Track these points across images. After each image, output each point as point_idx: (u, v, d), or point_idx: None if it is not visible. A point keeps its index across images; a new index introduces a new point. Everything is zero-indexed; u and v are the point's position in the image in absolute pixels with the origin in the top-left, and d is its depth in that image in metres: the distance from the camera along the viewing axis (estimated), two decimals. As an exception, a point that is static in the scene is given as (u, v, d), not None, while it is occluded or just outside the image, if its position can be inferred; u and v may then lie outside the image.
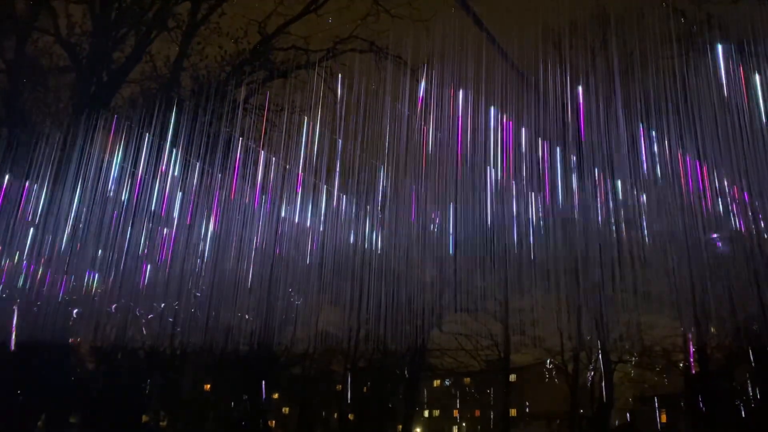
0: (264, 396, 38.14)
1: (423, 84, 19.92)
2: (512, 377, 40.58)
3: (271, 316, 26.43)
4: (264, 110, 25.48)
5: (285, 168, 21.82)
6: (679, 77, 17.08)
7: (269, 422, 40.40)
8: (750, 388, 28.84)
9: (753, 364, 27.85)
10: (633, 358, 35.48)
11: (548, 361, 38.20)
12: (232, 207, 21.82)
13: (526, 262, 19.14)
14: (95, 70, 22.92)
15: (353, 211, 21.71)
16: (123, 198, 20.40)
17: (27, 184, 20.13)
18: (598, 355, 33.88)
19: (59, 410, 24.54)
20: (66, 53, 23.50)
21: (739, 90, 15.96)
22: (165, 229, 21.17)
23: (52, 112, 24.38)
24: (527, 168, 19.06)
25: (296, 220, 22.07)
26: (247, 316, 25.39)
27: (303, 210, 22.07)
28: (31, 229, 20.20)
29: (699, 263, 17.55)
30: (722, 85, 16.24)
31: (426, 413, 46.66)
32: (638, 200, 18.34)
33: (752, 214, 17.06)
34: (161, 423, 36.50)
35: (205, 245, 21.88)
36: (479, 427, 45.00)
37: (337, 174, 21.40)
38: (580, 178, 18.82)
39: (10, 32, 22.50)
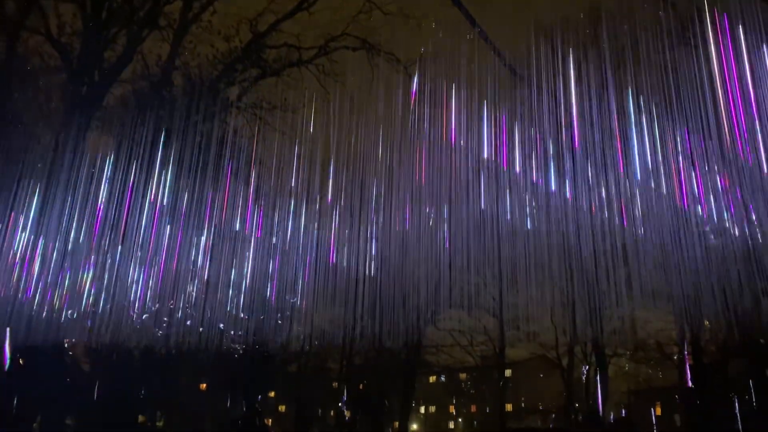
0: (260, 394, 38.14)
1: (416, 80, 19.98)
2: (508, 372, 40.71)
3: (266, 315, 26.44)
4: (256, 108, 25.47)
5: (279, 168, 21.82)
6: (671, 71, 17.14)
7: (266, 420, 40.43)
8: (744, 380, 29.00)
9: (747, 357, 28.03)
10: (627, 352, 35.64)
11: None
12: (227, 209, 21.80)
13: (520, 257, 19.21)
14: (87, 70, 22.76)
15: (348, 210, 21.71)
16: (116, 198, 20.32)
17: (19, 184, 20.00)
18: (593, 350, 34.04)
19: (55, 412, 24.46)
20: (57, 53, 23.32)
21: (732, 83, 16.02)
22: (159, 229, 21.11)
23: (43, 112, 24.20)
24: (521, 163, 19.12)
25: (291, 220, 22.09)
26: (242, 315, 25.36)
27: (297, 210, 22.08)
28: (25, 230, 20.09)
29: (692, 257, 17.63)
30: (714, 78, 16.30)
31: (422, 409, 46.79)
32: (631, 195, 18.40)
33: (744, 207, 17.15)
34: (157, 423, 36.45)
35: (198, 246, 21.86)
36: (475, 422, 45.18)
37: (331, 173, 21.42)
38: (573, 174, 18.87)
39: (-1, 32, 22.32)
